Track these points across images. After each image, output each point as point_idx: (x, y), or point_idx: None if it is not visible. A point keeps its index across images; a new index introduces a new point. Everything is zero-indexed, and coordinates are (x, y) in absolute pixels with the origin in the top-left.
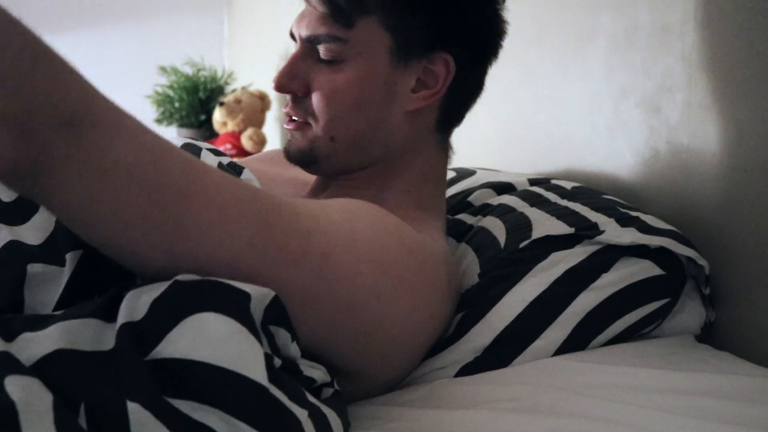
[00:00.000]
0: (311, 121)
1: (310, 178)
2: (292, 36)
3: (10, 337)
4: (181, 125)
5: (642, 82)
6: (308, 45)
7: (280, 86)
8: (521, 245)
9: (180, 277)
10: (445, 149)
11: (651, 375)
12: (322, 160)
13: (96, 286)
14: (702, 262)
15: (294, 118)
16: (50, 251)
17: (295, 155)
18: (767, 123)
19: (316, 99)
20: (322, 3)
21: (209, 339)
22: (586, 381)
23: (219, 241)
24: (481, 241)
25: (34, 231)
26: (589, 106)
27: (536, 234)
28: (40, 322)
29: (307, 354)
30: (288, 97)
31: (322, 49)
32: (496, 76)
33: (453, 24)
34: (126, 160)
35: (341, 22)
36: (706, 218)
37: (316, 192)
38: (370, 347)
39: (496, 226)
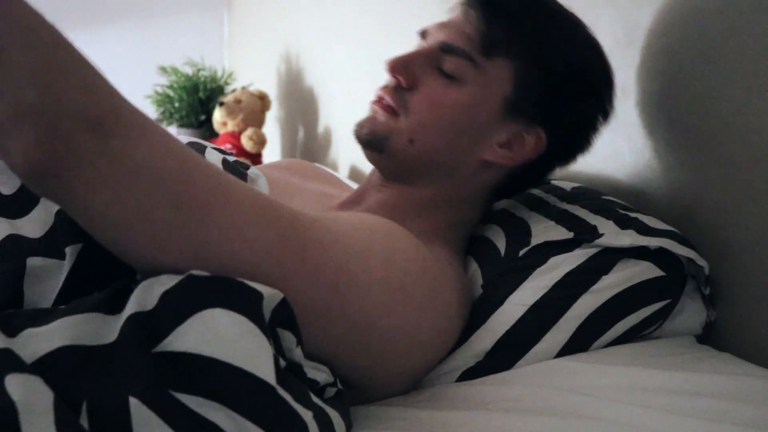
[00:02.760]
0: (402, 114)
1: (335, 191)
2: (422, 34)
3: (13, 333)
4: (181, 125)
5: (642, 82)
6: (437, 51)
7: (394, 69)
8: (521, 253)
9: (194, 271)
10: (486, 211)
11: (652, 375)
12: (389, 153)
13: (96, 279)
14: (701, 262)
15: (386, 101)
16: (50, 244)
17: (367, 134)
18: (767, 121)
19: (420, 99)
20: (478, 24)
21: (220, 335)
22: (588, 381)
23: (239, 249)
24: (482, 251)
25: (34, 224)
26: None
27: (535, 241)
28: (44, 317)
29: (312, 359)
30: (388, 79)
31: (450, 61)
32: None
33: (567, 115)
34: (152, 164)
35: (482, 49)
36: (706, 218)
37: (349, 205)
38: (376, 362)
39: (496, 234)
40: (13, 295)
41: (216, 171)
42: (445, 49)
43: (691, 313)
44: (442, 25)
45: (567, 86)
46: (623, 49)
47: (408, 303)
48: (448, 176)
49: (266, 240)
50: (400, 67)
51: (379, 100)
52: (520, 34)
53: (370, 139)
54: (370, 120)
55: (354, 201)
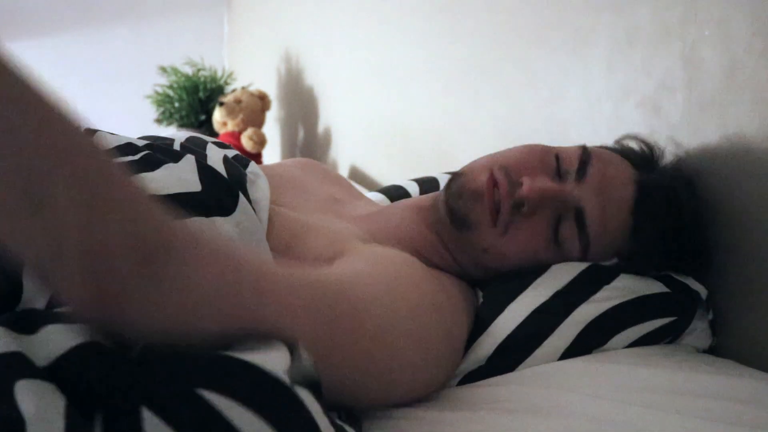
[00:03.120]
0: (501, 229)
1: (343, 196)
2: (585, 161)
3: (32, 330)
4: (181, 125)
5: (642, 82)
6: (573, 209)
7: (541, 199)
8: None
9: None
10: None
11: (654, 376)
12: (464, 234)
13: None
14: (696, 287)
15: (500, 209)
16: None
17: (461, 212)
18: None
19: (522, 232)
20: (626, 228)
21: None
22: (589, 382)
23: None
24: None
25: None
26: (589, 106)
27: None
28: (66, 317)
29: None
30: (517, 183)
31: (570, 230)
32: (496, 75)
33: None
34: (205, 280)
35: (605, 251)
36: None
37: (371, 222)
38: (388, 399)
39: None
40: (12, 288)
41: (263, 267)
42: (578, 219)
43: (699, 334)
44: (603, 181)
45: None
46: (623, 49)
47: (428, 354)
48: (488, 275)
49: (318, 325)
50: (540, 202)
51: (496, 199)
52: (643, 270)
53: (461, 218)
54: (475, 200)
55: (378, 218)
